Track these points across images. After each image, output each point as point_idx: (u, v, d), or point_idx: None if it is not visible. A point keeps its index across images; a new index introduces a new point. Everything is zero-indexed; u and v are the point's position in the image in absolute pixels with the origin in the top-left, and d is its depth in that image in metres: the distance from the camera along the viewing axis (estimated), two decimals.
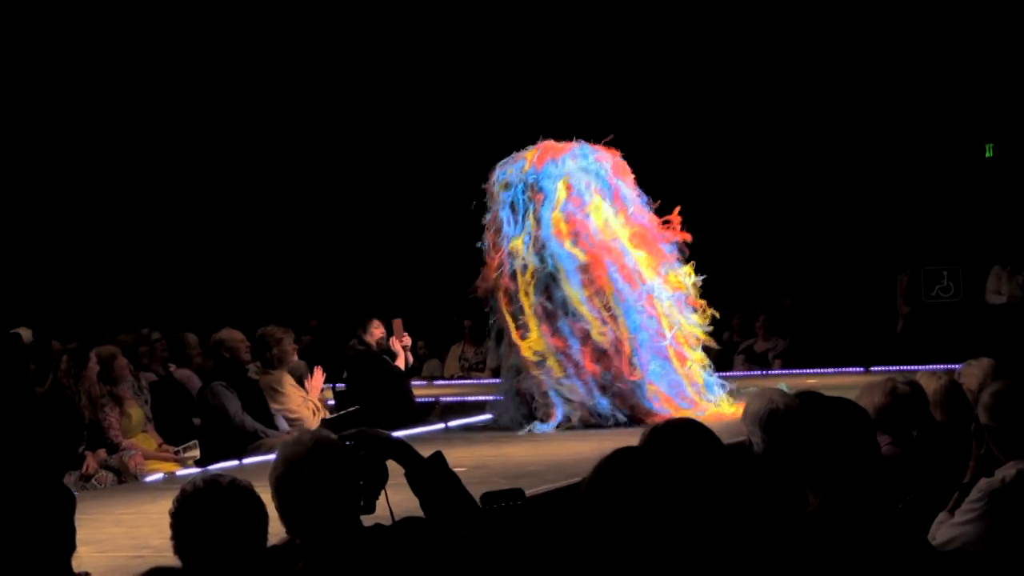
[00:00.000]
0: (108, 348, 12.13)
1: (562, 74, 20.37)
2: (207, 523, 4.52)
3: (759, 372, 15.99)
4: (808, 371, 15.22)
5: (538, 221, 11.78)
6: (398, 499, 4.92)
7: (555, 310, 11.62)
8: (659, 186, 12.16)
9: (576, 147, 12.00)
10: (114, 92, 21.50)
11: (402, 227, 21.52)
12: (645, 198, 12.09)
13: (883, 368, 14.34)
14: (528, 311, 11.66)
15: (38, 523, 4.21)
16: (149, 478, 10.66)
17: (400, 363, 13.34)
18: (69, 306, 19.86)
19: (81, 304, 20.10)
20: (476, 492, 4.83)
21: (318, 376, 12.52)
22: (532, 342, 11.61)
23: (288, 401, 12.07)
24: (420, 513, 4.84)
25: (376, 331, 13.42)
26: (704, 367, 12.08)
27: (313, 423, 11.90)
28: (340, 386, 13.89)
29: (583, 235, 11.72)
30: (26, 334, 15.06)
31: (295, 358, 12.77)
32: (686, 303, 12.02)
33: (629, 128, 12.39)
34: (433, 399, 14.35)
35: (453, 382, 17.28)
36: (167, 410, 12.54)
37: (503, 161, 12.05)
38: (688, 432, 4.65)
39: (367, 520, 4.81)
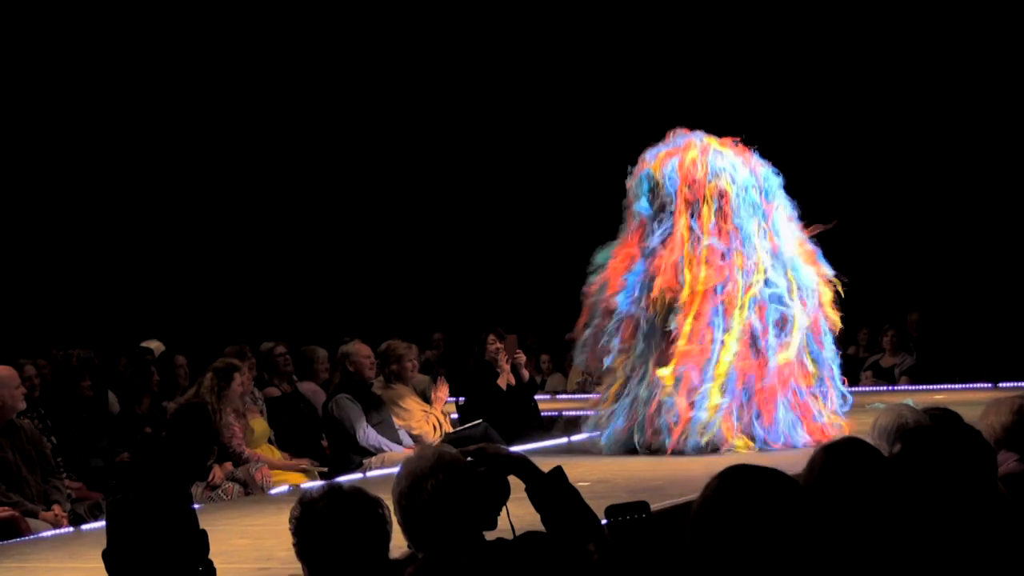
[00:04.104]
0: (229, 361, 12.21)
1: (704, 69, 20.26)
2: (328, 529, 4.52)
3: (885, 388, 15.84)
4: (935, 387, 15.06)
5: (776, 232, 11.44)
6: (520, 514, 4.92)
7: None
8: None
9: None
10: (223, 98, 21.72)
11: (528, 240, 21.51)
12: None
13: (1012, 384, 14.16)
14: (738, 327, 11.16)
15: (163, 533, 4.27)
16: (274, 490, 10.75)
17: (502, 382, 13.32)
18: (199, 320, 20.06)
19: (209, 318, 20.29)
20: (599, 507, 4.81)
21: (443, 387, 12.56)
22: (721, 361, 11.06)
23: (410, 416, 12.13)
24: (541, 528, 4.85)
25: (492, 346, 13.44)
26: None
27: (435, 438, 11.95)
28: (463, 400, 13.93)
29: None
30: (157, 346, 15.24)
31: (416, 375, 12.83)
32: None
33: (748, 130, 12.13)
34: (556, 413, 14.33)
35: (576, 396, 17.25)
36: (292, 424, 12.61)
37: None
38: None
39: (489, 535, 4.82)
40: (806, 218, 11.75)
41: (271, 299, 21.26)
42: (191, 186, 21.50)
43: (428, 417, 12.25)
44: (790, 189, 11.69)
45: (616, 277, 11.37)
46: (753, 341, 11.12)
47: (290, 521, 4.59)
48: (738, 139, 11.60)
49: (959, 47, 19.92)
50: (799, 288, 11.33)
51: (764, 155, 11.66)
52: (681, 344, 10.99)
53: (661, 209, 11.31)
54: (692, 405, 10.91)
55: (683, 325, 11.01)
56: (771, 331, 11.16)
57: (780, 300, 11.21)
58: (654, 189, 11.34)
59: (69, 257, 20.48)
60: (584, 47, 21.23)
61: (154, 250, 21.26)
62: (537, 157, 21.54)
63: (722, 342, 11.01)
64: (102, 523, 9.20)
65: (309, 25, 21.83)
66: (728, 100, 18.86)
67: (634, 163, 11.68)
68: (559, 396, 17.45)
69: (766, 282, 11.19)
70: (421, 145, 22.16)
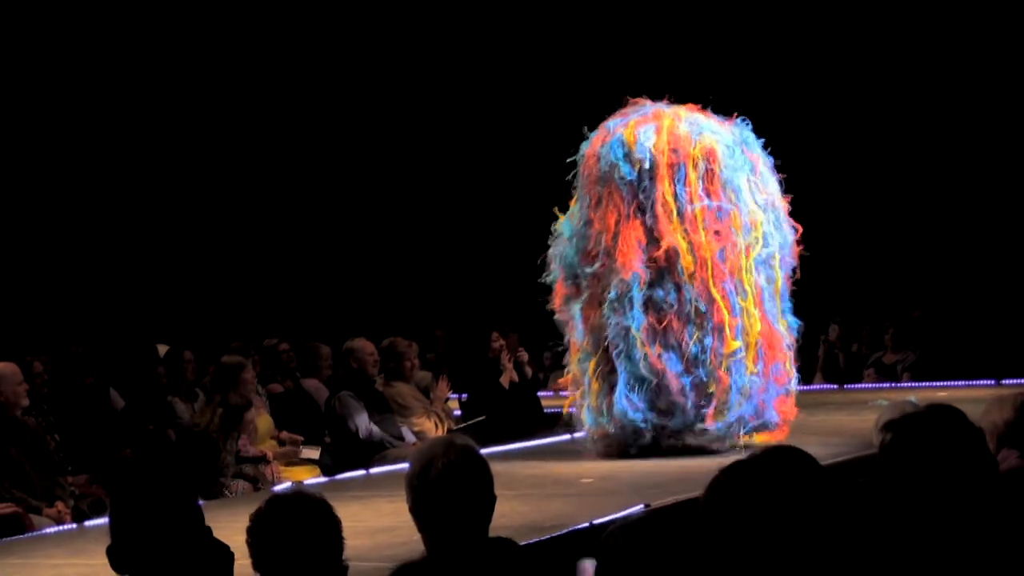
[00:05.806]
0: (234, 358, 12.21)
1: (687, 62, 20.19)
2: (270, 538, 4.60)
3: (888, 384, 15.83)
4: (938, 384, 15.04)
5: (765, 183, 10.83)
6: (525, 511, 4.92)
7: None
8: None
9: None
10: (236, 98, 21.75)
11: (531, 238, 21.48)
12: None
13: (1015, 381, 14.16)
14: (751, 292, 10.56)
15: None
16: (277, 487, 10.74)
17: (505, 380, 13.36)
18: (203, 316, 20.07)
19: (214, 314, 20.30)
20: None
21: (443, 385, 12.59)
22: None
23: (411, 413, 12.16)
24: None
25: (495, 344, 13.47)
26: None
27: (436, 434, 11.96)
28: (465, 397, 13.96)
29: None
30: (161, 350, 15.27)
31: (417, 372, 12.86)
32: None
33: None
34: (559, 410, 14.33)
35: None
36: (295, 420, 12.63)
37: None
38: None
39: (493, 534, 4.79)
40: (806, 217, 11.56)
41: (275, 296, 21.27)
42: (195, 183, 21.51)
43: (430, 414, 12.27)
44: (790, 185, 11.43)
45: (627, 247, 10.63)
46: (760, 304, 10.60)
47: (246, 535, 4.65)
48: (701, 106, 11.01)
49: (960, 46, 19.91)
50: (781, 245, 10.83)
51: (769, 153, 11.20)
52: (727, 317, 10.36)
53: (639, 177, 10.63)
54: (728, 372, 10.34)
55: (705, 294, 10.39)
56: (766, 293, 10.68)
57: (770, 260, 10.72)
58: (628, 155, 10.66)
59: (72, 253, 20.49)
60: (579, 42, 21.26)
61: (158, 247, 21.26)
62: (541, 155, 21.50)
63: (742, 308, 10.47)
64: (105, 519, 9.23)
65: (310, 25, 21.85)
66: (731, 97, 18.83)
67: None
68: (562, 393, 17.40)
69: (764, 240, 10.68)
70: (423, 143, 22.17)
